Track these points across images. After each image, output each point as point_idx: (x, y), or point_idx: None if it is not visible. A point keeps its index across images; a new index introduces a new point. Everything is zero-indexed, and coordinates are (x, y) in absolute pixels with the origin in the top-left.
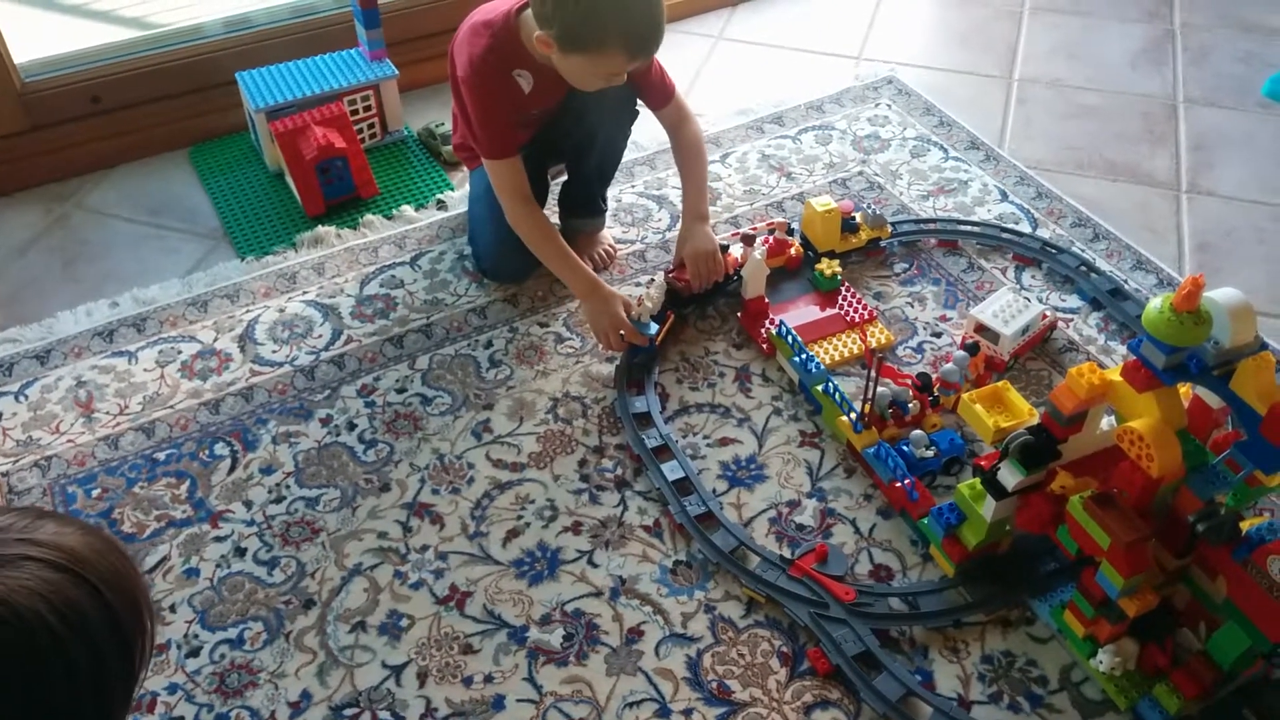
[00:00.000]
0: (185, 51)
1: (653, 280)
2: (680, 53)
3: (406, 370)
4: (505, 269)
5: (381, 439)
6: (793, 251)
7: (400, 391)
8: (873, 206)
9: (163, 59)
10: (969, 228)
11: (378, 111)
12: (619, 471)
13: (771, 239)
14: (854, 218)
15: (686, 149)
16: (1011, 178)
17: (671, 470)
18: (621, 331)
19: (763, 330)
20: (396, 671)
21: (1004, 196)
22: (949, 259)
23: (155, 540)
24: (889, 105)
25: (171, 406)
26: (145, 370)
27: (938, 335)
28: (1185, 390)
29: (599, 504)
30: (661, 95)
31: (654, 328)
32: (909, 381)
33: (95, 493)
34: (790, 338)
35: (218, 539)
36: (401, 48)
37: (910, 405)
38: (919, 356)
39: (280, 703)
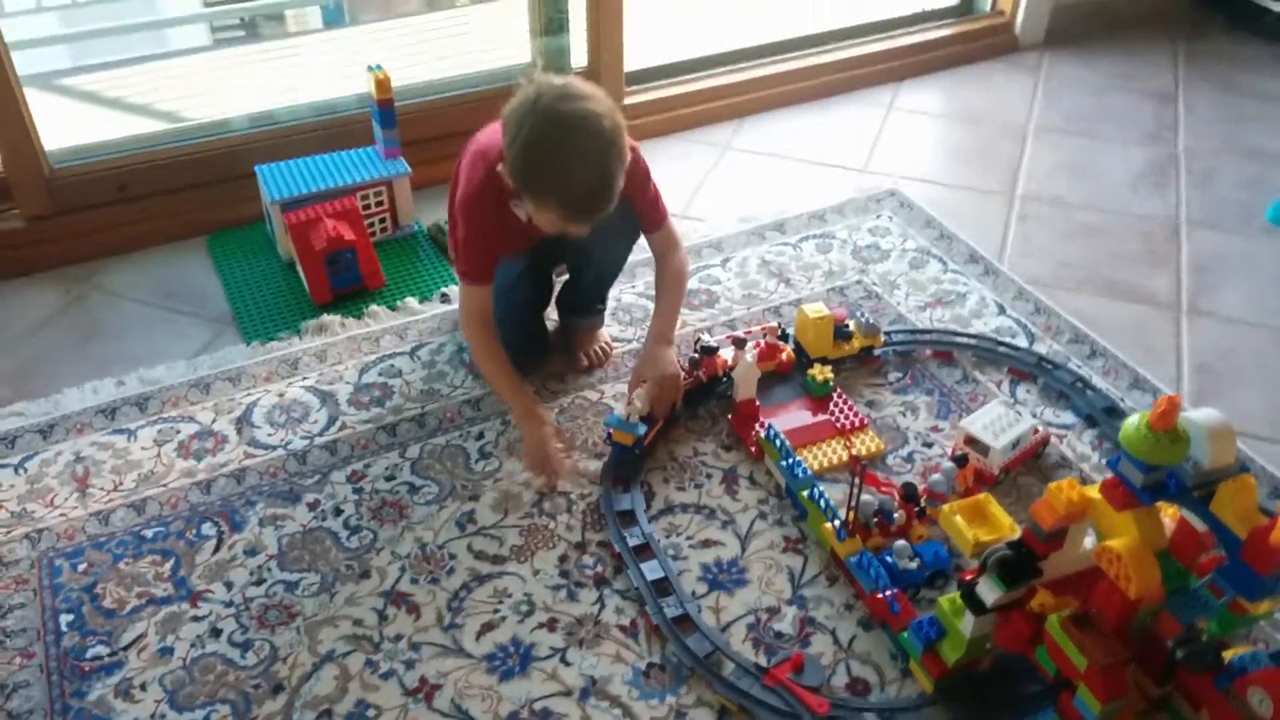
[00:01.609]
0: (210, 145)
1: (644, 381)
2: (687, 162)
3: (397, 459)
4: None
5: (366, 525)
6: (784, 356)
7: (389, 479)
8: (866, 315)
9: (188, 151)
10: (964, 339)
11: (389, 207)
12: (599, 569)
13: (763, 343)
14: (847, 325)
15: (668, 276)
16: (1009, 292)
17: (651, 570)
18: (548, 470)
19: (752, 433)
20: None
21: (1001, 310)
22: (943, 370)
23: (134, 617)
24: (890, 217)
25: (164, 485)
26: (143, 449)
27: (929, 445)
28: (1172, 512)
29: (576, 601)
30: (652, 221)
31: (642, 428)
32: (892, 491)
33: (81, 567)
34: (778, 441)
35: (195, 618)
36: (416, 147)
37: (896, 515)
38: (909, 466)
39: None
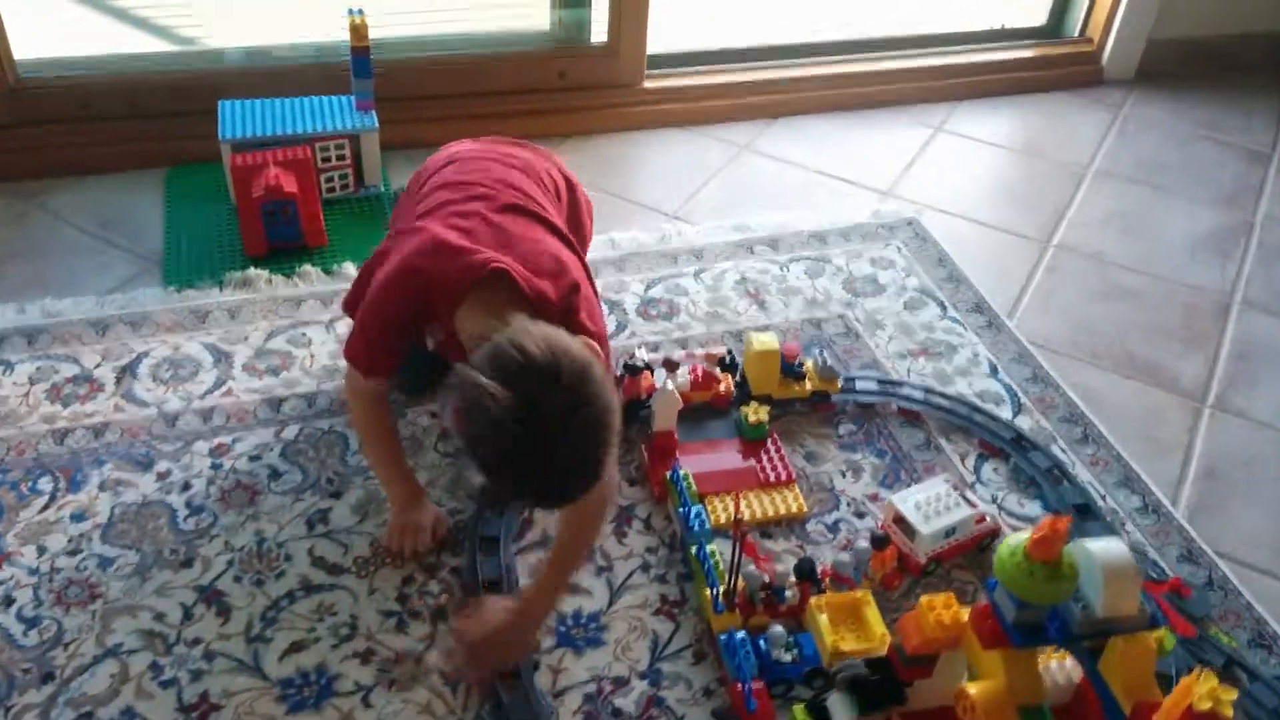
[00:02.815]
0: (186, 74)
1: None
2: (698, 159)
3: (270, 438)
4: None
5: (210, 507)
6: (722, 388)
7: (253, 459)
8: (825, 355)
9: (162, 76)
10: (937, 399)
11: (352, 162)
12: (442, 598)
13: (700, 369)
14: (800, 363)
15: (569, 532)
16: (1009, 352)
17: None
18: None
19: (662, 471)
20: None
21: (993, 371)
22: (905, 431)
23: None
24: (899, 249)
25: (20, 427)
26: (15, 385)
27: (860, 515)
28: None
29: (404, 633)
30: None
31: None
32: (768, 570)
33: None
34: (681, 485)
35: None
36: (404, 104)
37: (788, 593)
38: (831, 536)
39: None
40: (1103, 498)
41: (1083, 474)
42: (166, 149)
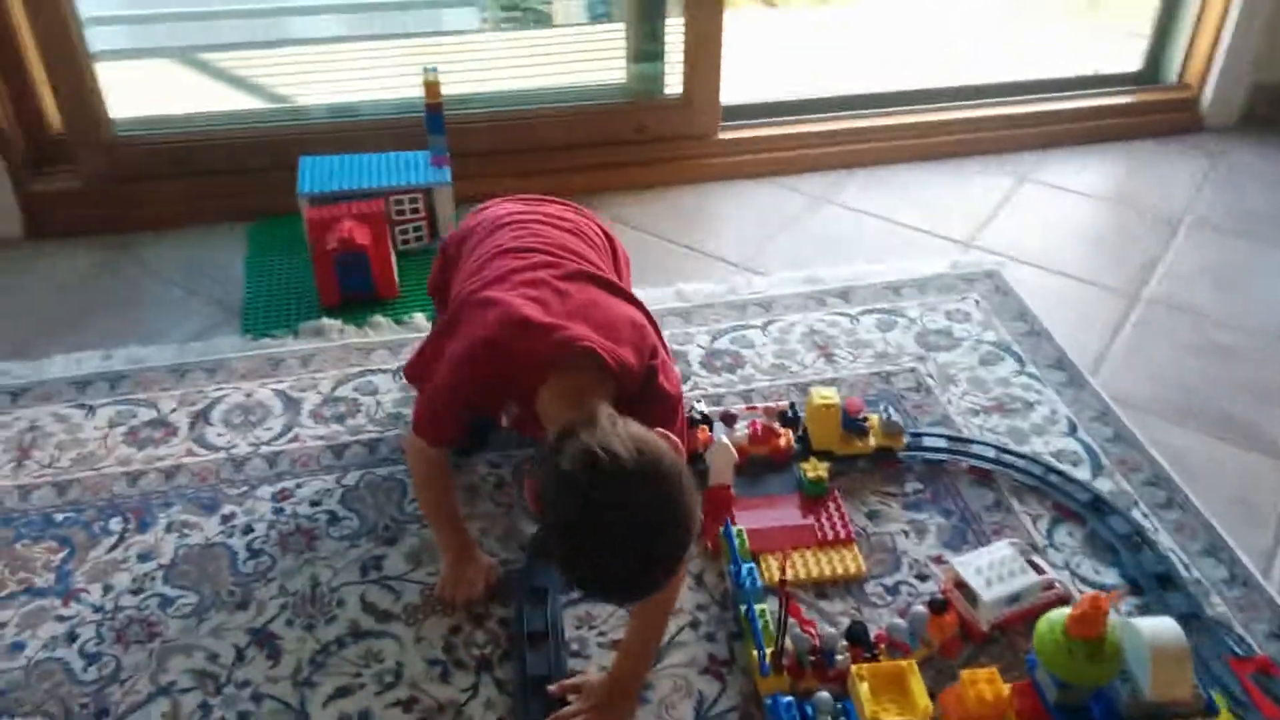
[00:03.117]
0: (277, 131)
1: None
2: (773, 210)
3: (332, 484)
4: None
5: (269, 551)
6: (782, 442)
7: (314, 504)
8: (889, 410)
9: (249, 133)
10: (1009, 457)
11: (426, 215)
12: (487, 650)
13: (759, 424)
14: (863, 418)
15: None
16: (1090, 410)
17: (536, 664)
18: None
19: (717, 526)
20: None
21: (1072, 430)
22: (975, 490)
23: (5, 603)
24: (978, 302)
25: (96, 469)
26: (95, 428)
27: (922, 578)
28: None
29: (448, 683)
30: None
31: None
32: (812, 632)
33: None
34: (734, 542)
35: (60, 618)
36: (481, 159)
37: (839, 658)
38: (890, 599)
39: None
40: (1186, 567)
41: (1165, 541)
42: (252, 203)
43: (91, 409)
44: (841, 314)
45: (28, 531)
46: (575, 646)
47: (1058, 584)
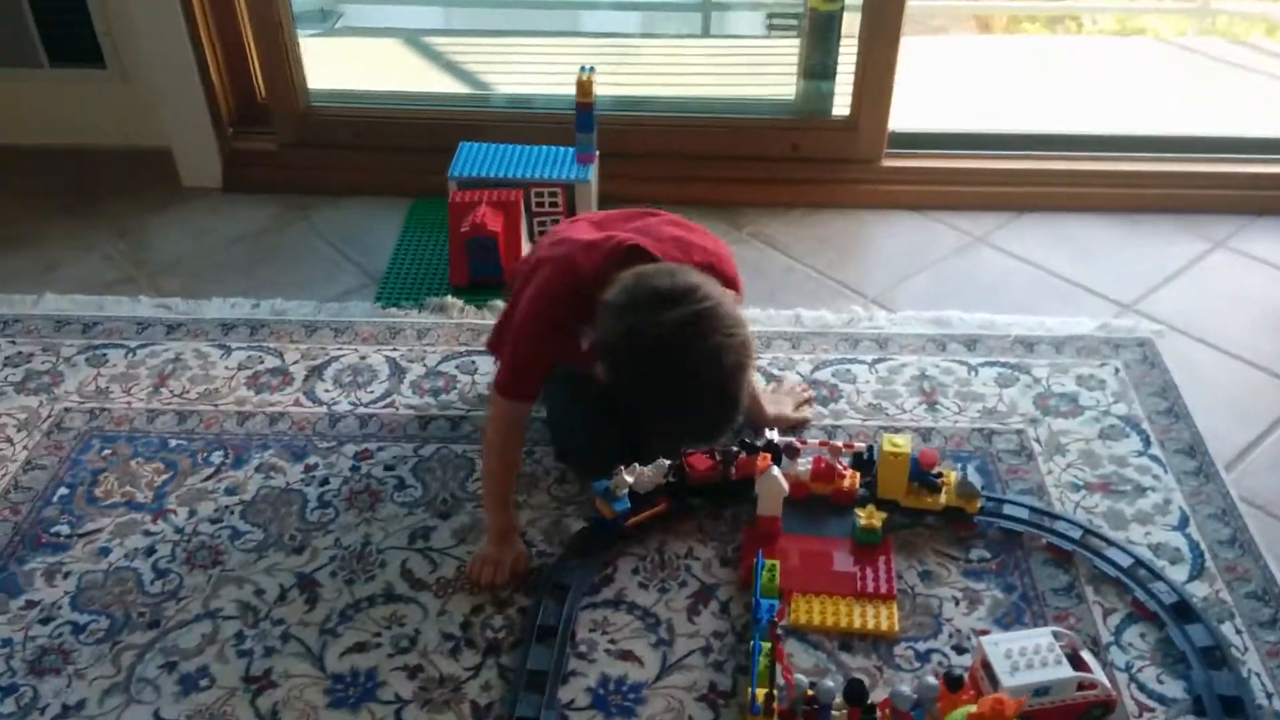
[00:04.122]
0: (452, 114)
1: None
2: (926, 243)
3: (410, 452)
4: (588, 459)
5: (336, 504)
6: (845, 484)
7: (388, 469)
8: (967, 469)
9: (427, 115)
10: (1097, 542)
11: (564, 210)
12: (501, 634)
13: (824, 461)
14: (938, 473)
15: None
16: (1211, 506)
17: (539, 658)
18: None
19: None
20: None
21: (1182, 525)
22: (1047, 569)
23: (106, 512)
24: (1118, 370)
25: (215, 405)
26: (226, 368)
27: (960, 651)
28: None
29: (456, 659)
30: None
31: (623, 506)
32: (791, 682)
33: (105, 452)
34: (764, 575)
35: (146, 532)
36: (634, 160)
37: (835, 713)
38: (918, 665)
39: (49, 709)
40: (1269, 696)
41: (1254, 663)
42: (418, 181)
43: (228, 350)
44: (960, 362)
45: (144, 451)
46: (584, 648)
47: (1100, 685)
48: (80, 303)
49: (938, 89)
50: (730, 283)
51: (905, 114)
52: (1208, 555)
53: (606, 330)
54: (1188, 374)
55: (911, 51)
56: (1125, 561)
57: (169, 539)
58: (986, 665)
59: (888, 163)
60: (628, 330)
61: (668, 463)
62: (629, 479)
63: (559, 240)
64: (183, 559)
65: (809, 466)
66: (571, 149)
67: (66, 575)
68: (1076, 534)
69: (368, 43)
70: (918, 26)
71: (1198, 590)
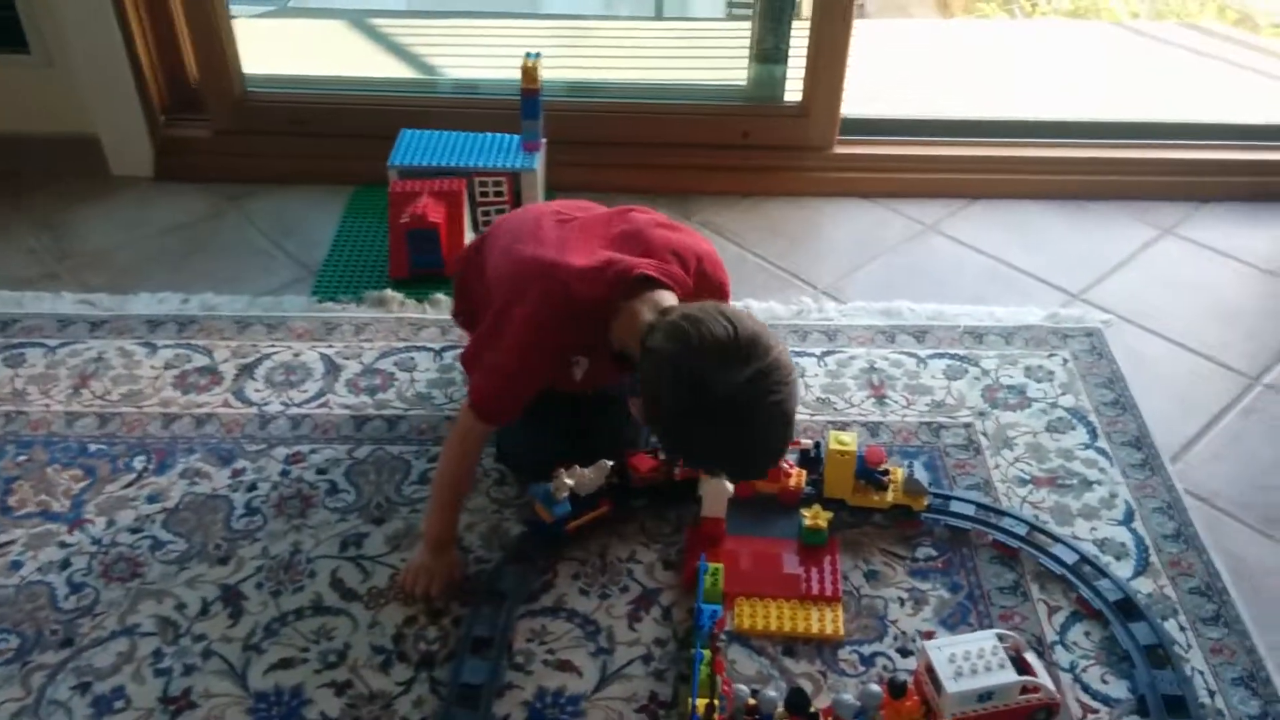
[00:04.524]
0: (395, 100)
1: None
2: (877, 232)
3: (343, 455)
4: (528, 460)
5: (264, 510)
6: (792, 483)
7: (320, 473)
8: (913, 467)
9: (368, 101)
10: (1042, 539)
11: (510, 200)
12: (435, 647)
13: None
14: (884, 471)
15: None
16: (1156, 500)
17: (473, 671)
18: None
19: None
20: None
21: (1127, 519)
22: (993, 567)
23: (19, 523)
24: (1066, 361)
25: (139, 407)
26: (151, 367)
27: (905, 653)
28: None
29: (386, 674)
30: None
31: (563, 509)
32: (729, 692)
33: (21, 458)
34: (707, 580)
35: (62, 544)
36: (582, 148)
37: None
38: (863, 669)
39: None
40: (1211, 694)
41: (1197, 660)
42: (359, 169)
43: (154, 348)
44: (909, 354)
45: (61, 456)
46: (521, 659)
47: (1044, 689)
48: None
49: (889, 74)
50: (721, 285)
51: (857, 100)
52: (1152, 550)
53: (663, 381)
54: (1135, 364)
55: (863, 36)
56: (1070, 558)
57: (85, 550)
58: (930, 670)
59: (839, 150)
60: (692, 384)
61: (610, 464)
62: (569, 481)
63: (548, 263)
64: (99, 572)
65: None
66: (517, 136)
67: None
68: (1022, 530)
69: (314, 24)
70: (885, 7)
71: (1142, 586)
